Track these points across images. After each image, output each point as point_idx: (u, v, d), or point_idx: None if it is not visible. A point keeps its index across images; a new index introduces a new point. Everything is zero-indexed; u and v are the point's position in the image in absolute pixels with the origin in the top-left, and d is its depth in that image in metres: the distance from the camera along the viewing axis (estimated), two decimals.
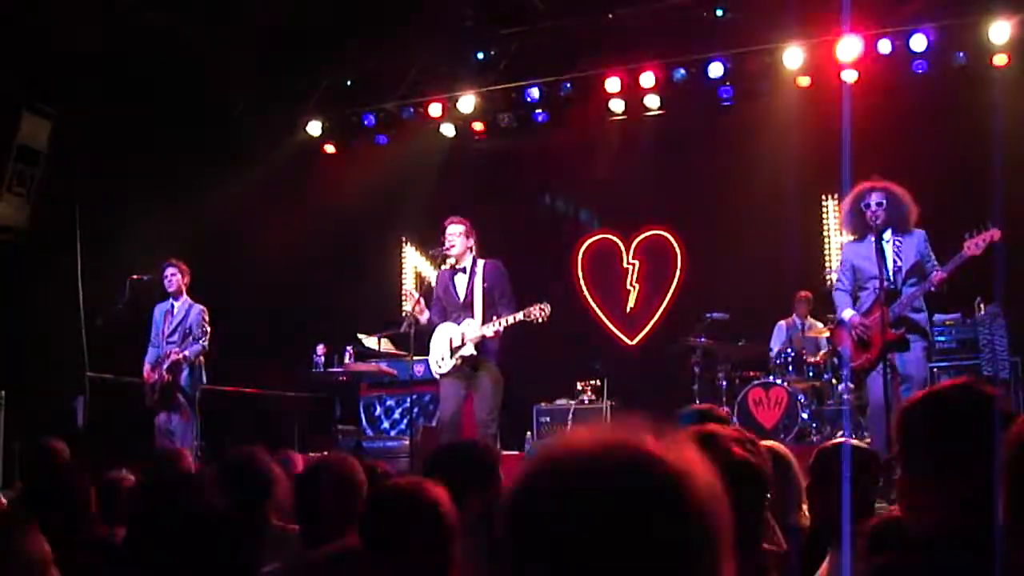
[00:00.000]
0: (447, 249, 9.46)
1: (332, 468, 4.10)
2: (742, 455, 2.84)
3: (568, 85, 13.53)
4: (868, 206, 8.20)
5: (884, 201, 8.18)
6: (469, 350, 9.26)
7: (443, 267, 9.69)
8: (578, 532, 1.31)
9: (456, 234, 9.48)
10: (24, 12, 11.30)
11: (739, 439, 2.91)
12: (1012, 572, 2.14)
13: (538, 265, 13.26)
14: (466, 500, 3.92)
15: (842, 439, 5.16)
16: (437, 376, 9.58)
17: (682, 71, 13.02)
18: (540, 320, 9.06)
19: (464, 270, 9.51)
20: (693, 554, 1.34)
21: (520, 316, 9.10)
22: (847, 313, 8.47)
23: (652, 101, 13.41)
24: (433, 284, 9.80)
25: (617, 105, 13.52)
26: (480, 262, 9.58)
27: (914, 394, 2.89)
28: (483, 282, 9.41)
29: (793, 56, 12.37)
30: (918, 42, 11.97)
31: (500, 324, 9.17)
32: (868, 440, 8.65)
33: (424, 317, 9.62)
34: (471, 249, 9.59)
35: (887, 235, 8.22)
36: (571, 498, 1.34)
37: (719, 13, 12.49)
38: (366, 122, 14.59)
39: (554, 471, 1.38)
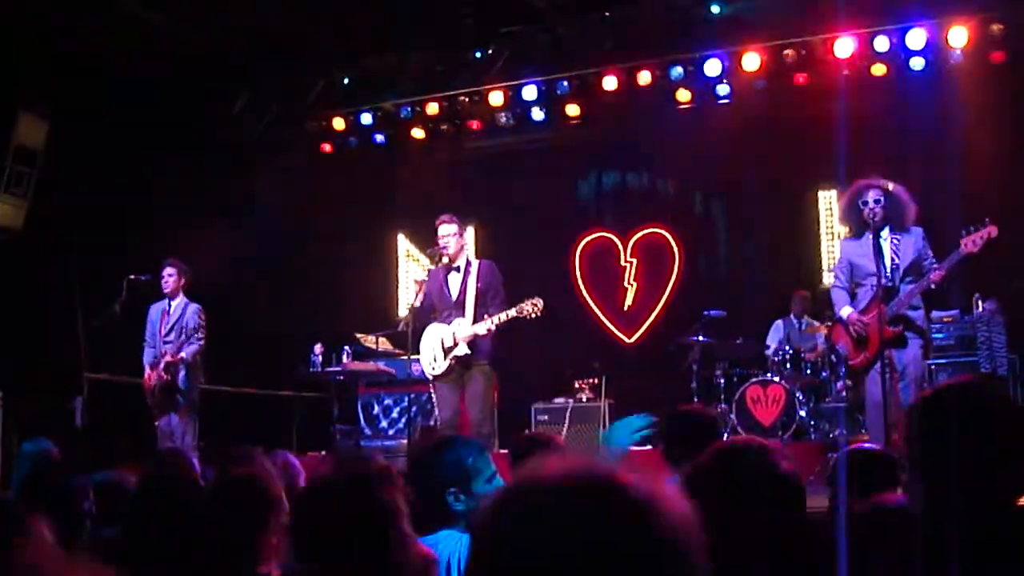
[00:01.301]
0: (443, 249, 9.46)
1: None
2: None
3: (566, 84, 13.53)
4: (866, 203, 8.19)
5: (882, 198, 8.17)
6: (463, 350, 9.25)
7: (438, 265, 9.67)
8: (543, 559, 1.31)
9: (450, 234, 9.47)
10: (21, 12, 11.29)
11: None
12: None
13: (535, 263, 13.26)
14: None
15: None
16: (430, 378, 9.57)
17: (679, 69, 13.02)
18: (533, 316, 9.05)
19: (458, 269, 9.50)
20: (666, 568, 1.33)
21: (512, 312, 9.10)
22: (845, 311, 8.47)
23: (649, 98, 13.40)
24: (427, 282, 9.75)
25: (614, 103, 13.51)
26: (475, 262, 9.57)
27: (921, 392, 2.90)
28: (477, 282, 9.40)
29: (791, 55, 12.41)
30: (915, 39, 11.98)
31: (492, 322, 9.16)
32: (866, 437, 8.67)
33: (418, 301, 9.59)
34: (464, 247, 9.60)
35: (885, 233, 8.21)
36: (535, 525, 1.34)
37: (715, 10, 12.48)
38: (363, 121, 14.58)
39: (519, 498, 1.39)
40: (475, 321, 9.24)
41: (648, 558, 1.32)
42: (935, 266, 8.10)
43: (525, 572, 1.32)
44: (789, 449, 8.28)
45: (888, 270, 8.14)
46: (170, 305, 10.82)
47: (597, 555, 1.30)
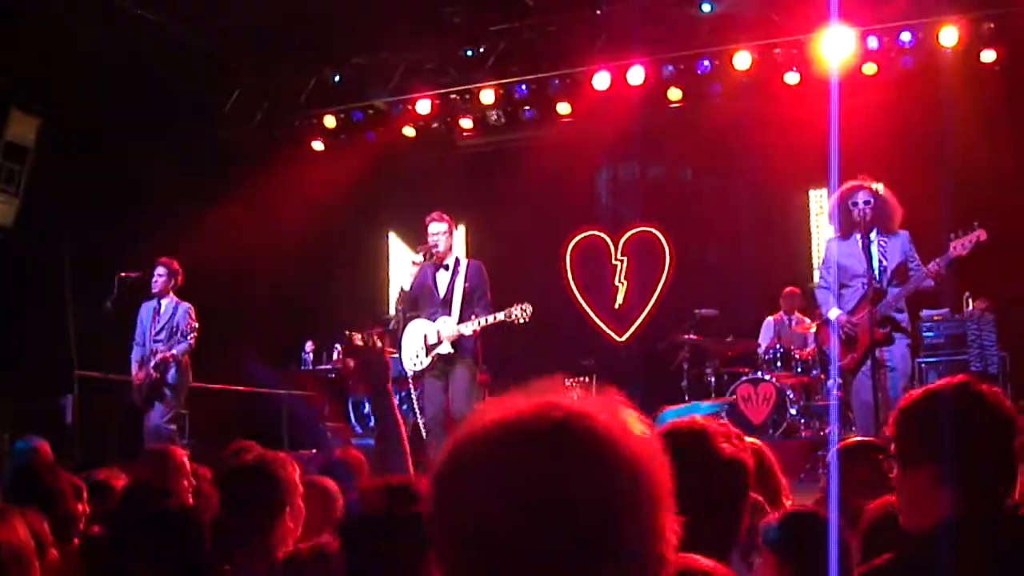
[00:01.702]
0: (433, 247, 9.44)
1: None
2: (731, 452, 2.84)
3: (556, 82, 13.54)
4: (856, 204, 8.20)
5: (872, 200, 8.19)
6: (446, 348, 9.24)
7: (426, 262, 9.63)
8: (504, 495, 1.29)
9: (441, 232, 9.45)
10: (12, 9, 11.27)
11: (726, 434, 2.91)
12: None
13: (526, 262, 13.27)
14: None
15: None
16: (410, 374, 9.55)
17: (670, 67, 13.03)
18: (521, 320, 9.04)
19: (447, 267, 9.49)
20: (626, 509, 1.30)
21: (501, 316, 9.08)
22: (833, 313, 8.48)
23: (641, 97, 13.41)
24: (414, 278, 9.69)
25: (605, 101, 13.52)
26: (464, 262, 9.56)
27: (910, 392, 2.90)
28: (465, 281, 9.38)
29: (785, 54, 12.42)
30: (906, 38, 12.00)
31: (479, 324, 9.16)
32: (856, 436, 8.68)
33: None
34: (453, 246, 9.60)
35: (872, 235, 8.23)
36: (494, 462, 1.32)
37: (706, 9, 12.48)
38: (354, 118, 14.58)
39: (476, 437, 1.36)
40: (461, 320, 9.23)
41: (609, 485, 1.30)
42: (934, 260, 8.09)
43: (485, 511, 1.30)
44: (780, 447, 8.30)
45: (876, 272, 8.16)
46: (160, 305, 10.80)
47: (557, 487, 1.28)
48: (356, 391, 12.91)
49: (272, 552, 3.68)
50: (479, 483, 1.31)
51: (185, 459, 5.57)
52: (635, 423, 1.38)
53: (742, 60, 12.69)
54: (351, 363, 12.39)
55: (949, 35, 11.90)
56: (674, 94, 13.33)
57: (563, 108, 13.81)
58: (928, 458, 2.68)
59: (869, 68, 12.42)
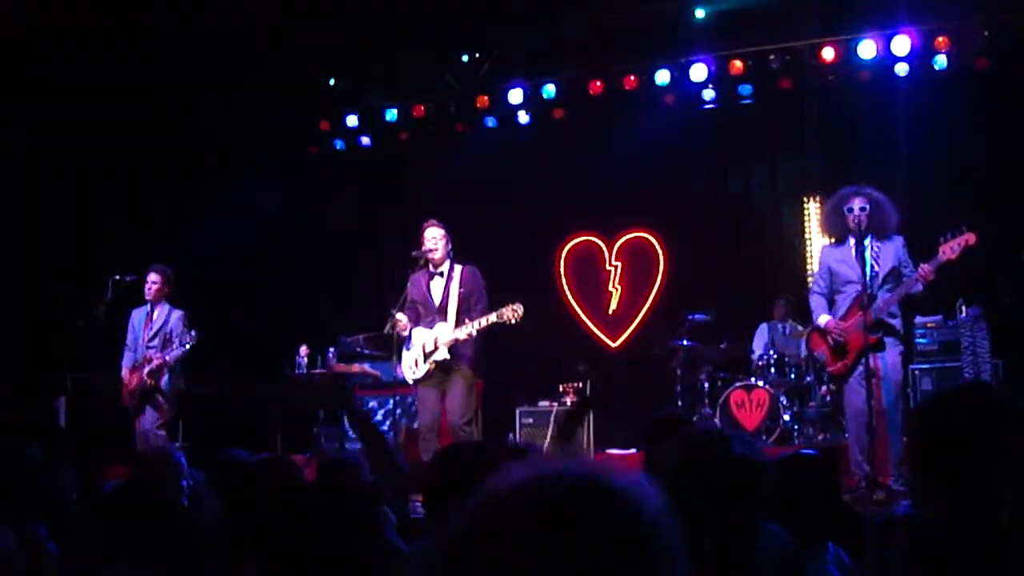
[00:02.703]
0: (429, 252, 9.44)
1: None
2: (741, 450, 2.86)
3: (552, 87, 13.55)
4: (851, 210, 8.23)
5: (867, 206, 8.21)
6: (443, 355, 9.24)
7: (419, 269, 9.64)
8: (526, 562, 1.30)
9: (437, 238, 9.46)
10: (8, 7, 11.27)
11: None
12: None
13: (520, 267, 13.26)
14: None
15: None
16: (411, 382, 9.56)
17: (665, 73, 13.04)
18: (513, 321, 9.03)
19: (441, 274, 9.49)
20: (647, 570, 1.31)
21: (492, 318, 9.08)
22: (823, 318, 8.51)
23: (635, 102, 13.42)
24: (409, 286, 9.73)
25: (600, 106, 13.52)
26: (458, 267, 9.56)
27: (926, 397, 2.91)
28: (460, 287, 9.39)
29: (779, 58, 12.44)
30: (900, 45, 12.02)
31: (472, 327, 9.15)
32: (848, 442, 8.69)
33: (407, 333, 9.59)
34: (449, 253, 9.60)
35: (867, 240, 8.25)
36: (517, 528, 1.32)
37: (699, 15, 12.49)
38: (349, 123, 14.58)
39: (499, 503, 1.37)
40: (456, 326, 9.24)
41: (633, 551, 1.31)
42: (922, 264, 8.10)
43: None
44: (773, 454, 8.30)
45: (868, 277, 8.17)
46: (152, 311, 10.79)
47: (579, 554, 1.28)
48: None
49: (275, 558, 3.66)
50: (503, 546, 1.32)
51: (177, 462, 5.56)
52: (652, 489, 1.39)
53: (736, 66, 12.72)
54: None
55: (942, 42, 11.94)
56: (668, 100, 13.34)
57: (558, 113, 13.82)
58: (942, 460, 2.69)
59: (863, 75, 12.44)
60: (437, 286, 9.48)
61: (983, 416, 2.65)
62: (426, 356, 9.31)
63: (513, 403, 12.56)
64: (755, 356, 12.08)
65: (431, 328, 9.35)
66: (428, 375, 9.33)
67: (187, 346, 10.57)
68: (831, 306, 8.55)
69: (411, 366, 9.44)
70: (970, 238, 7.95)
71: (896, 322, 8.32)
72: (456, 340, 9.20)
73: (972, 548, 2.51)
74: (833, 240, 8.71)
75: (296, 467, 4.87)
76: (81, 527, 4.60)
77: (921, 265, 8.07)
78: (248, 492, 3.90)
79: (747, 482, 2.82)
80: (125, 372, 10.71)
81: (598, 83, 13.20)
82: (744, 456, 2.86)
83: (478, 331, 9.18)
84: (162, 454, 5.69)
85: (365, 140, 14.78)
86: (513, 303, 9.06)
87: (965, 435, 2.64)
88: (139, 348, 10.70)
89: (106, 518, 4.01)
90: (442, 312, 9.37)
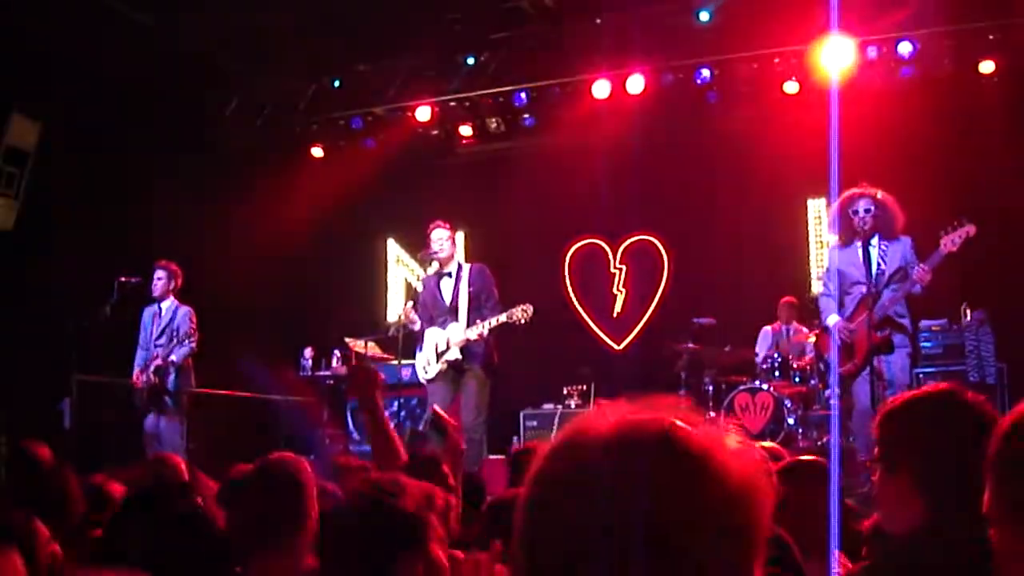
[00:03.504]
0: (435, 253, 9.48)
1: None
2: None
3: (556, 90, 13.56)
4: (856, 212, 8.24)
5: (873, 208, 8.22)
6: (454, 354, 9.28)
7: (429, 271, 9.72)
8: (600, 514, 1.27)
9: (443, 239, 9.51)
10: (13, 12, 11.28)
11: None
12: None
13: (525, 269, 13.28)
14: None
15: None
16: (424, 381, 9.61)
17: (670, 76, 13.06)
18: (523, 321, 9.08)
19: (450, 275, 9.53)
20: (723, 534, 1.29)
21: (503, 318, 9.13)
22: (832, 319, 8.52)
23: (640, 106, 13.42)
24: (420, 289, 9.83)
25: (605, 110, 13.53)
26: (466, 266, 9.61)
27: (894, 397, 2.93)
28: (469, 286, 9.44)
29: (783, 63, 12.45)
30: (905, 48, 12.03)
31: (484, 327, 9.19)
32: (854, 445, 8.70)
33: (416, 326, 9.65)
34: (456, 253, 9.65)
35: (874, 241, 8.26)
36: (592, 480, 1.29)
37: (703, 17, 12.49)
38: (354, 125, 14.59)
39: (573, 453, 1.34)
40: (468, 325, 9.28)
41: (710, 511, 1.28)
42: (920, 265, 8.11)
43: (581, 529, 1.28)
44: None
45: (874, 277, 8.18)
46: (160, 308, 10.82)
47: (655, 507, 1.26)
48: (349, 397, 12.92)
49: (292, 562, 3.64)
50: (583, 488, 1.30)
51: (184, 467, 5.56)
52: (737, 445, 1.36)
53: (739, 70, 12.74)
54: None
55: (946, 45, 11.96)
56: (673, 102, 13.34)
57: (563, 116, 13.81)
58: (906, 464, 2.69)
59: (868, 78, 12.44)
60: (447, 286, 9.53)
61: (949, 421, 2.66)
62: (438, 356, 9.36)
63: (517, 405, 12.58)
64: (759, 359, 12.08)
65: (443, 328, 9.39)
66: (440, 375, 9.37)
67: (191, 344, 10.58)
68: (840, 307, 8.56)
69: (423, 366, 9.50)
70: (971, 230, 7.97)
71: (904, 321, 8.33)
72: (468, 340, 9.24)
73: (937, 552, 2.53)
74: (840, 242, 8.72)
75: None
76: (86, 530, 4.61)
77: (918, 267, 8.09)
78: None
79: None
80: (136, 371, 10.73)
81: (603, 86, 13.18)
82: None
83: (489, 331, 9.23)
84: (165, 460, 5.69)
85: (369, 142, 14.78)
86: (523, 303, 9.10)
87: (930, 439, 2.65)
88: (149, 346, 10.73)
89: (113, 521, 4.02)
90: (453, 312, 9.42)
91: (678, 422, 1.35)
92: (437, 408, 8.99)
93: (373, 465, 4.94)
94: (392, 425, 11.68)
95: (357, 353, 12.20)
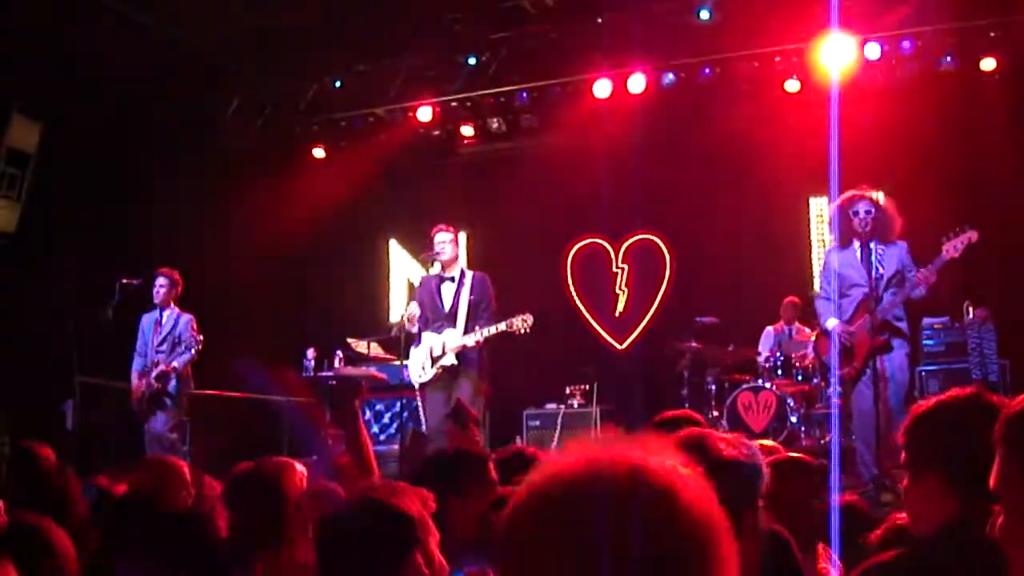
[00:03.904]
0: (437, 255, 9.48)
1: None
2: (731, 454, 2.86)
3: (557, 89, 13.56)
4: (856, 214, 8.23)
5: (873, 210, 8.22)
6: (450, 360, 9.29)
7: (430, 271, 9.71)
8: (574, 552, 1.30)
9: (446, 242, 9.51)
10: (14, 14, 11.28)
11: (730, 440, 2.93)
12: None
13: (527, 269, 13.27)
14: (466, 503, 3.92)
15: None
16: (416, 385, 9.61)
17: (671, 75, 13.05)
18: (523, 331, 9.08)
19: (452, 279, 9.53)
20: (692, 565, 1.31)
21: (502, 327, 9.13)
22: (831, 323, 8.51)
23: (641, 105, 13.41)
24: (419, 289, 9.82)
25: (606, 109, 13.52)
26: (468, 273, 9.61)
27: (922, 402, 2.92)
28: (470, 293, 9.44)
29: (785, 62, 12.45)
30: (905, 46, 12.02)
31: (481, 335, 9.19)
32: (855, 444, 8.69)
33: (415, 328, 9.65)
34: (459, 257, 9.64)
35: (871, 244, 8.25)
36: (564, 518, 1.33)
37: (704, 16, 12.49)
38: (355, 125, 14.59)
39: (543, 493, 1.37)
40: (465, 332, 9.28)
41: (678, 546, 1.31)
42: (922, 268, 8.10)
43: (554, 565, 1.31)
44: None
45: (873, 280, 8.17)
46: (162, 315, 10.82)
47: (625, 544, 1.29)
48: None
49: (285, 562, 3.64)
50: (554, 531, 1.33)
51: (185, 469, 5.56)
52: (696, 480, 1.39)
53: (740, 68, 12.74)
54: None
55: (948, 43, 11.96)
56: (674, 102, 13.33)
57: (564, 116, 13.81)
58: (935, 467, 2.70)
59: (869, 76, 12.43)
60: (447, 291, 9.53)
61: (975, 424, 2.66)
62: (433, 360, 9.35)
63: (520, 405, 12.58)
64: (762, 358, 12.07)
65: (439, 333, 9.39)
66: (434, 379, 9.37)
67: (193, 351, 10.59)
68: (838, 310, 8.54)
69: (418, 369, 9.50)
70: (972, 236, 7.96)
71: (902, 325, 8.33)
72: (464, 346, 9.24)
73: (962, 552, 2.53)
74: (838, 244, 8.71)
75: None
76: (88, 530, 4.61)
77: (920, 269, 8.08)
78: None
79: (742, 485, 2.81)
80: (135, 377, 10.74)
81: (604, 85, 13.18)
82: (735, 459, 2.86)
83: (486, 340, 9.23)
84: (165, 462, 5.69)
85: (371, 143, 14.78)
86: (523, 313, 9.10)
87: (960, 444, 2.66)
88: (149, 353, 10.72)
89: (114, 522, 4.02)
90: (451, 318, 9.42)
91: (645, 457, 1.37)
92: (463, 399, 9.08)
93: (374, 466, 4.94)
94: (394, 427, 11.63)
95: (343, 364, 12.19)
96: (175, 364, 10.52)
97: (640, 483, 1.34)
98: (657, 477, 1.35)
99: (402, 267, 15.68)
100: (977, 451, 2.61)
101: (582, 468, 1.37)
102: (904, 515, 3.02)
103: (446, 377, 9.34)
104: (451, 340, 9.29)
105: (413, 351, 9.58)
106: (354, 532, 2.84)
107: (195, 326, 10.72)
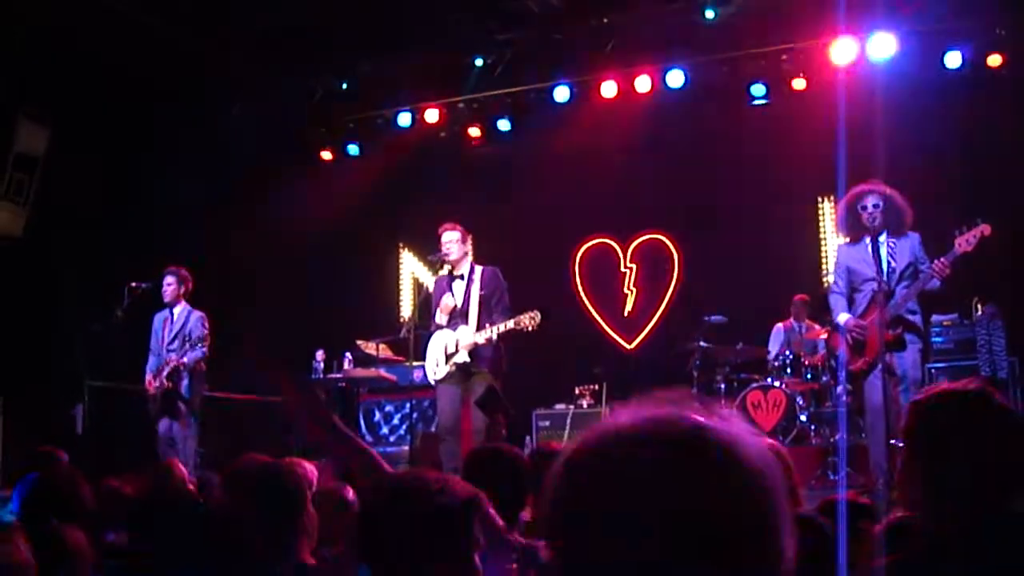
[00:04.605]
0: (445, 255, 9.47)
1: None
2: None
3: (565, 90, 13.55)
4: (865, 208, 8.20)
5: (881, 203, 8.18)
6: (463, 357, 9.27)
7: (441, 273, 9.71)
8: (629, 510, 1.28)
9: (452, 241, 9.49)
10: (21, 18, 11.30)
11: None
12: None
13: (536, 269, 13.26)
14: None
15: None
16: (432, 382, 9.61)
17: (678, 74, 13.03)
18: (531, 328, 9.06)
19: (462, 277, 9.52)
20: (748, 526, 1.30)
21: (511, 324, 9.10)
22: (843, 317, 8.47)
23: (648, 104, 13.41)
24: (431, 291, 9.83)
25: (613, 109, 13.51)
26: (478, 269, 9.59)
27: (927, 388, 2.93)
28: (480, 289, 9.42)
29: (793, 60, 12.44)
30: (913, 44, 12.01)
31: (492, 332, 9.18)
32: (866, 441, 8.66)
33: (409, 335, 9.67)
34: (468, 255, 9.62)
35: (882, 237, 8.21)
36: (618, 477, 1.31)
37: (709, 15, 12.48)
38: (361, 127, 14.60)
39: (599, 450, 1.36)
40: (478, 328, 9.27)
41: (735, 505, 1.30)
42: (939, 258, 8.06)
43: (609, 524, 1.29)
44: (790, 454, 8.27)
45: (884, 274, 8.13)
46: (172, 313, 10.81)
47: (681, 503, 1.28)
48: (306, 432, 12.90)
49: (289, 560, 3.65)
50: (617, 480, 1.31)
51: (186, 473, 5.58)
52: (757, 441, 1.39)
53: (747, 67, 12.74)
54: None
55: (957, 41, 11.95)
56: (681, 101, 13.33)
57: (571, 116, 13.81)
58: (934, 456, 2.70)
59: (876, 74, 12.41)
60: (458, 289, 9.52)
61: (976, 417, 2.67)
62: (447, 358, 9.35)
63: (529, 406, 12.57)
64: (771, 357, 12.05)
65: (453, 330, 9.39)
66: (448, 376, 9.37)
67: (204, 348, 10.58)
68: (850, 304, 8.51)
69: (433, 367, 9.50)
70: (985, 229, 7.91)
71: (916, 319, 8.28)
72: (476, 344, 9.23)
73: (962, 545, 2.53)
74: (848, 239, 8.68)
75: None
76: (100, 534, 4.62)
77: (936, 260, 8.04)
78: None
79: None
80: (149, 376, 10.73)
81: (611, 86, 13.18)
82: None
83: (499, 336, 9.21)
84: (167, 466, 5.71)
85: (378, 144, 14.80)
86: (532, 310, 9.08)
87: (955, 433, 2.66)
88: (161, 352, 10.72)
89: (127, 525, 4.03)
90: (463, 315, 9.40)
91: (707, 417, 1.37)
92: (494, 385, 9.08)
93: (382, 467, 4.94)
94: (404, 428, 11.65)
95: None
96: (185, 360, 10.50)
97: (701, 440, 1.33)
98: (719, 436, 1.34)
99: (410, 267, 15.69)
100: (962, 445, 2.62)
101: (642, 424, 1.36)
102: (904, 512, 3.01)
103: (460, 375, 9.33)
104: (464, 337, 9.29)
105: (430, 347, 9.59)
106: (401, 522, 2.79)
107: (206, 323, 10.71)
